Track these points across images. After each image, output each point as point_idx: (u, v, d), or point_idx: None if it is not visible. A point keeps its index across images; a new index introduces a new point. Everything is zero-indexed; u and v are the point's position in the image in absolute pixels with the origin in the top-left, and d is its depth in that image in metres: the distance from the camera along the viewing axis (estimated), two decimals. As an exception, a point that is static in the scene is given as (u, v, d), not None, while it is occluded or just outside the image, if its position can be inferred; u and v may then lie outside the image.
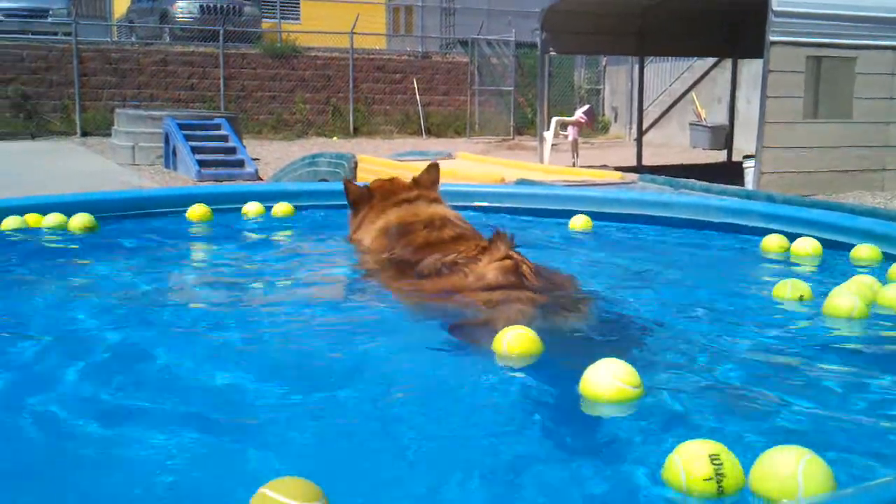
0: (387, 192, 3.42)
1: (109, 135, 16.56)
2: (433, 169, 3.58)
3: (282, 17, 24.19)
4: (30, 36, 20.02)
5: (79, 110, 19.42)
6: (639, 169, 13.39)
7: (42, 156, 15.29)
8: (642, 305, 2.75)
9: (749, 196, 4.60)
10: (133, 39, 22.82)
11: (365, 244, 3.28)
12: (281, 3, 24.33)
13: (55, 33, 20.50)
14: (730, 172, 12.32)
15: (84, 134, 19.13)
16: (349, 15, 21.52)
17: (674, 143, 19.83)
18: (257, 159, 14.22)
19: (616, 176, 5.95)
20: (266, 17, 24.19)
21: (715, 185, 5.42)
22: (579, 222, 4.10)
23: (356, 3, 22.70)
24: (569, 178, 5.89)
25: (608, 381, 1.79)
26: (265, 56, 21.50)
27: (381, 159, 7.21)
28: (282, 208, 4.39)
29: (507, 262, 2.60)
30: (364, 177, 7.63)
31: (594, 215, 4.17)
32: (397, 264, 2.95)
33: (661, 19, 13.69)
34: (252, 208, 4.38)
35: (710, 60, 18.69)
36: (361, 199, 3.46)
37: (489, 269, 2.59)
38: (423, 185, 3.44)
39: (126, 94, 20.00)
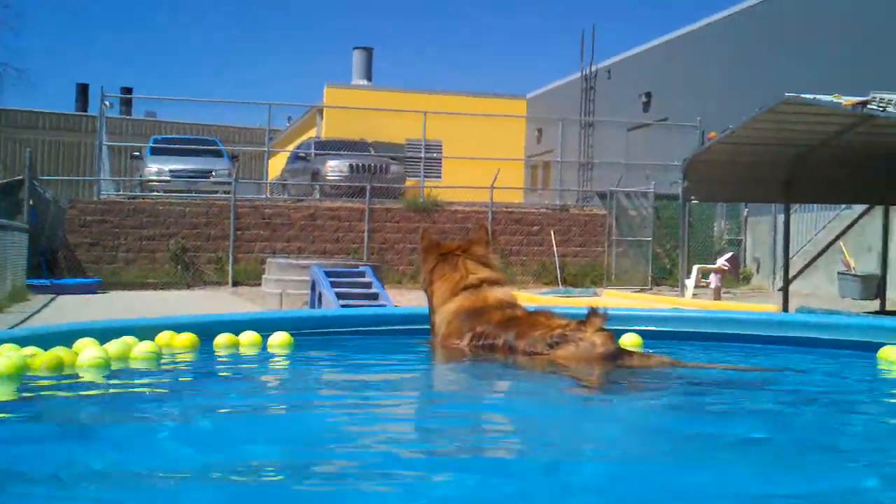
0: (451, 263, 3.79)
1: (258, 284, 17.37)
2: (482, 233, 3.95)
3: (425, 175, 25.24)
4: (193, 194, 21.59)
5: (232, 261, 20.55)
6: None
7: (197, 302, 16.12)
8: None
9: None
10: (285, 196, 24.24)
11: (441, 328, 3.67)
12: (424, 162, 25.44)
13: (215, 191, 22.04)
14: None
15: (235, 283, 20.16)
16: (488, 171, 22.25)
17: (820, 293, 19.10)
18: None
19: (773, 308, 5.77)
20: (410, 175, 25.33)
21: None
22: (627, 340, 3.81)
23: (496, 160, 23.49)
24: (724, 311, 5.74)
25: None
26: (408, 210, 22.36)
27: (534, 296, 7.25)
28: (280, 339, 3.77)
29: (607, 332, 3.14)
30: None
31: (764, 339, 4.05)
32: (490, 345, 3.36)
33: (812, 166, 13.43)
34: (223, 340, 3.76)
35: (858, 209, 18.17)
36: (432, 248, 3.92)
37: (595, 337, 3.09)
38: (475, 254, 3.79)
39: (276, 247, 21.07)
